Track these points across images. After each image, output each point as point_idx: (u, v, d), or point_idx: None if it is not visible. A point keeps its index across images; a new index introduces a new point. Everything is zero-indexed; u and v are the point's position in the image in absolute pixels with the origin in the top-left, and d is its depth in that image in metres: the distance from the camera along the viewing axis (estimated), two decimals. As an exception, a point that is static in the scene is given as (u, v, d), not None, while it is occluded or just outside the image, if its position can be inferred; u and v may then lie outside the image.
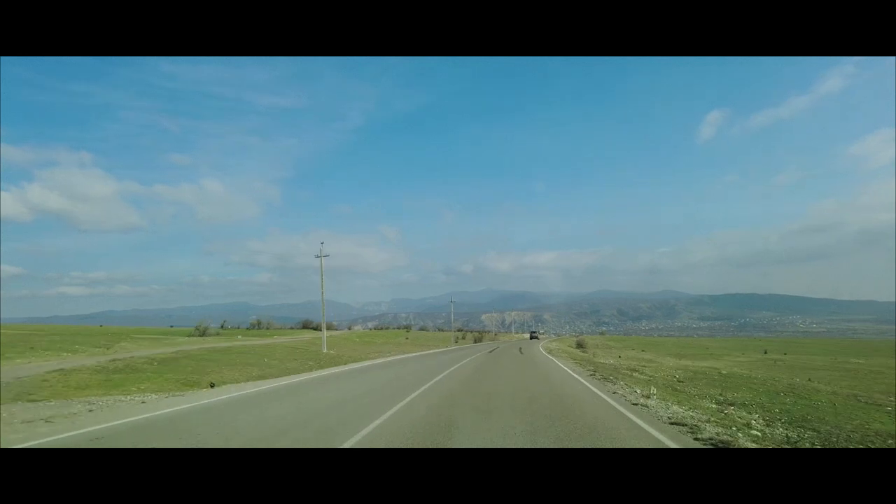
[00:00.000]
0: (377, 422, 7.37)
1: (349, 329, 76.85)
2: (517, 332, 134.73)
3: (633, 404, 9.28)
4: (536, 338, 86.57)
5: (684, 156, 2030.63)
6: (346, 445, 5.93)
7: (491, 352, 29.31)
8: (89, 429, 7.37)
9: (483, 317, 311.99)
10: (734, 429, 7.26)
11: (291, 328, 64.22)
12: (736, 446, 6.05)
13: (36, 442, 6.51)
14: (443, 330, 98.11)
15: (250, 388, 12.72)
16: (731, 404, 10.40)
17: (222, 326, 54.36)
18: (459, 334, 71.58)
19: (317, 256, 31.30)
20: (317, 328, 65.02)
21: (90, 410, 9.13)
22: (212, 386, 12.97)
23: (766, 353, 46.57)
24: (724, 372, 21.58)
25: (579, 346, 45.52)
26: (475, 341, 61.74)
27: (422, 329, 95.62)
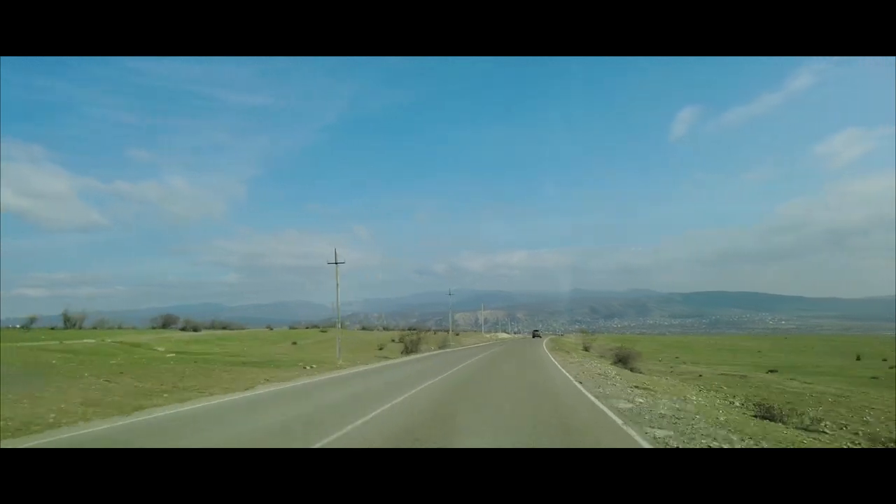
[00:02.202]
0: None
1: (269, 328, 61.46)
2: (489, 332, 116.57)
3: None
4: (539, 336, 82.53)
5: (657, 154, 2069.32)
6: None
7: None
8: None
9: (456, 316, 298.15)
10: None
11: (151, 328, 47.78)
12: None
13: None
14: (388, 328, 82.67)
15: None
16: None
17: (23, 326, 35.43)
18: (398, 335, 55.55)
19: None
20: (192, 328, 44.94)
21: None
22: None
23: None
24: None
25: (621, 360, 25.61)
26: (406, 351, 32.66)
27: (363, 329, 79.66)
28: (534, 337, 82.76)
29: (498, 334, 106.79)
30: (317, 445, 6.61)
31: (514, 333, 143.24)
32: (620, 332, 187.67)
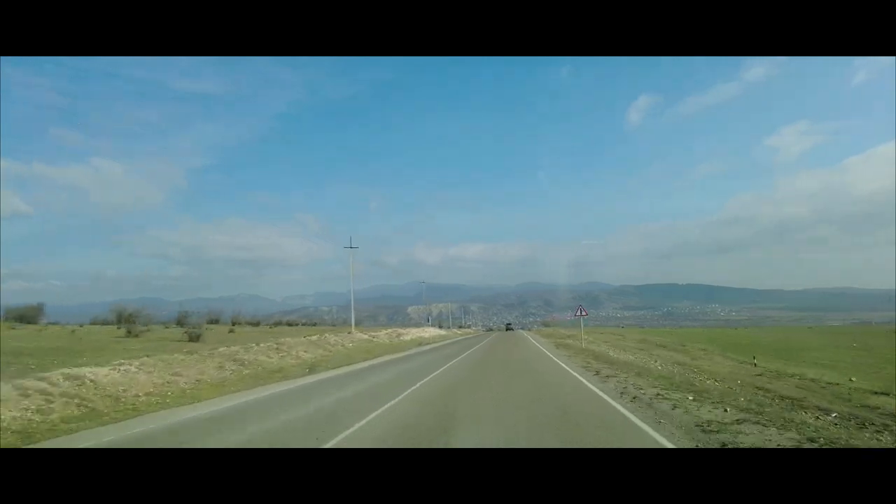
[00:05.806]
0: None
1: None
2: (388, 328, 77.63)
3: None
4: (511, 330, 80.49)
5: (609, 148, 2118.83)
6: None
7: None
8: None
9: (409, 309, 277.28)
10: None
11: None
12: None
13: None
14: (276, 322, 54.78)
15: None
16: None
17: None
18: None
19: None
20: (32, 319, 30.01)
21: None
22: None
23: None
24: None
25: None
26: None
27: (277, 324, 53.89)
28: (507, 330, 76.72)
29: (410, 331, 53.09)
30: None
31: (460, 328, 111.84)
32: (574, 324, 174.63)
